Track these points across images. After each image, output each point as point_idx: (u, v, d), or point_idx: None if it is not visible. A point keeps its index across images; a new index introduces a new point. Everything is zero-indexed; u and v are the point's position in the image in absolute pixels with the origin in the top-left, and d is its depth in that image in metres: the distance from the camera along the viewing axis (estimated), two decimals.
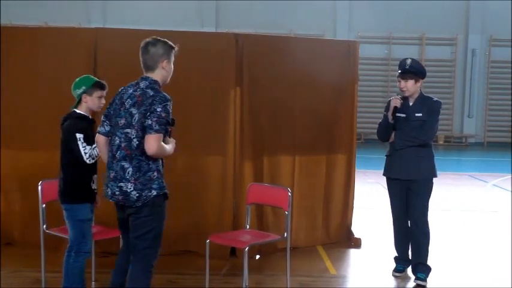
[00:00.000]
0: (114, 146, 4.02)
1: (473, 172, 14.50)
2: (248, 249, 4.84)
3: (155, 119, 3.87)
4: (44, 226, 4.98)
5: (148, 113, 3.89)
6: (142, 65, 4.13)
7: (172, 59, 4.16)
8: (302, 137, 6.60)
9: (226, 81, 6.22)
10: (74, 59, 6.02)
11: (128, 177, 3.96)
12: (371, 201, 9.68)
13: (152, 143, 3.87)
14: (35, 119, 6.15)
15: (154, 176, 4.00)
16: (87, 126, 4.62)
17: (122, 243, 4.47)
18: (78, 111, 4.65)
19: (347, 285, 5.79)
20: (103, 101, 4.69)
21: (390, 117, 5.57)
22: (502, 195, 11.04)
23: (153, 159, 3.98)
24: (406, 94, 5.57)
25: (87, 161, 4.50)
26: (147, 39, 4.14)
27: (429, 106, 5.54)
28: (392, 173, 5.68)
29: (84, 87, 4.63)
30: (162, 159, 4.12)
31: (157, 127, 3.87)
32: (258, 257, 6.24)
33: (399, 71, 5.56)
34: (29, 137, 6.16)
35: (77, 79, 4.71)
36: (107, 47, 6.09)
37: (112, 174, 4.03)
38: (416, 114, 5.51)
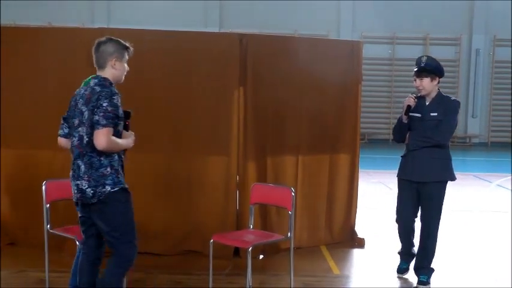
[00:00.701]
0: (73, 147, 4.10)
1: (478, 172, 14.48)
2: (252, 249, 4.83)
3: (102, 113, 3.91)
4: (48, 226, 4.97)
5: (95, 109, 3.94)
6: (94, 64, 4.19)
7: (125, 58, 4.21)
8: (305, 136, 6.59)
9: (230, 81, 6.21)
10: (77, 59, 6.00)
11: (81, 174, 4.01)
12: (375, 201, 9.67)
13: (100, 138, 3.90)
14: (37, 118, 6.15)
15: (107, 172, 4.02)
16: None
17: (81, 244, 4.41)
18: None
19: (350, 285, 5.78)
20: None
21: (404, 116, 5.42)
22: (506, 196, 11.02)
23: (106, 154, 4.00)
24: (422, 93, 5.38)
25: None
26: (100, 38, 4.20)
27: (446, 105, 5.36)
28: (404, 174, 5.53)
29: None
30: (119, 155, 4.13)
31: (104, 122, 3.90)
32: (261, 257, 6.23)
33: (414, 69, 5.39)
34: (31, 136, 6.17)
35: (88, 79, 4.64)
36: None
37: (71, 173, 4.09)
38: (432, 114, 5.34)
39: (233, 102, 6.21)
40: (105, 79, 4.11)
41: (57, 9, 20.98)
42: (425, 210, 5.47)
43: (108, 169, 4.02)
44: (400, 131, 5.54)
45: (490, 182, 12.85)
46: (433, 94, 5.42)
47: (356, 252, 6.72)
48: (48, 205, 4.97)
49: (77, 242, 4.67)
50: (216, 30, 20.72)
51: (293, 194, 5.08)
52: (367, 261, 6.40)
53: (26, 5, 20.81)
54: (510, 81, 22.13)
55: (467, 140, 22.70)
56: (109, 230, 4.08)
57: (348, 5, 22.26)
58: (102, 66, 4.15)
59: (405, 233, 5.71)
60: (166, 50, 6.17)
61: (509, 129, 22.12)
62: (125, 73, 4.25)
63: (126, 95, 6.01)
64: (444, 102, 5.39)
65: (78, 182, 4.02)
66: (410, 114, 5.43)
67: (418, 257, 5.60)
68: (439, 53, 21.90)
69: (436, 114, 5.33)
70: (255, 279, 5.24)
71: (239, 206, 6.30)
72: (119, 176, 4.08)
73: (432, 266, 5.57)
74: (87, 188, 4.00)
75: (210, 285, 5.09)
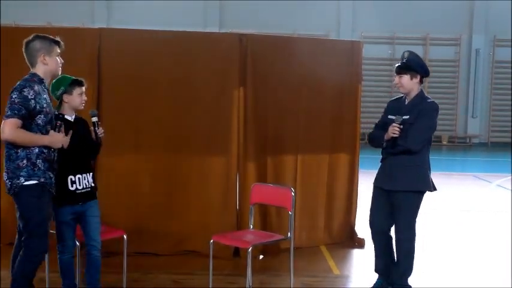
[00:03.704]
0: None
1: (477, 172, 14.47)
2: (252, 249, 4.83)
3: (9, 105, 3.98)
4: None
5: (8, 101, 4.00)
6: (27, 63, 4.23)
7: (56, 52, 4.26)
8: (305, 136, 6.60)
9: (230, 81, 6.22)
10: (77, 59, 5.99)
11: (3, 167, 4.09)
12: None
13: (3, 128, 3.95)
14: None
15: (23, 164, 4.05)
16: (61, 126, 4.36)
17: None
18: (57, 112, 4.48)
19: (350, 285, 5.78)
20: (84, 97, 4.61)
21: (384, 140, 4.93)
22: (506, 196, 11.01)
23: (23, 147, 4.03)
24: (401, 91, 4.97)
25: None
26: (27, 37, 4.22)
27: (420, 108, 4.84)
28: (376, 181, 5.17)
29: (62, 88, 4.52)
30: (48, 150, 4.11)
31: (9, 112, 3.95)
32: (261, 257, 6.24)
33: (396, 65, 5.02)
34: None
35: (53, 81, 4.54)
36: (111, 47, 6.09)
37: None
38: (404, 117, 4.82)
39: (233, 102, 6.21)
40: (33, 74, 4.17)
41: (57, 9, 20.96)
42: (397, 224, 5.00)
43: (25, 161, 4.05)
44: (377, 145, 5.12)
45: (489, 182, 12.84)
46: (413, 94, 4.95)
47: (356, 252, 6.72)
48: None
49: (77, 242, 4.67)
50: (215, 30, 20.69)
51: (293, 194, 5.08)
52: (367, 262, 6.38)
53: (26, 5, 20.80)
54: (510, 81, 22.11)
55: (467, 140, 22.69)
56: (22, 224, 4.13)
57: (348, 5, 22.26)
58: (32, 64, 4.22)
59: (380, 249, 5.22)
60: (166, 50, 6.16)
61: (509, 129, 22.11)
62: (60, 65, 4.29)
63: (126, 95, 6.06)
64: (420, 104, 4.89)
65: (3, 174, 4.09)
66: (388, 116, 5.02)
67: (394, 274, 5.11)
68: (439, 53, 22.00)
69: (407, 117, 4.83)
70: (255, 279, 5.25)
71: (239, 206, 6.30)
72: (36, 169, 4.07)
73: (412, 285, 5.12)
74: (6, 180, 4.08)
75: (210, 285, 5.09)
